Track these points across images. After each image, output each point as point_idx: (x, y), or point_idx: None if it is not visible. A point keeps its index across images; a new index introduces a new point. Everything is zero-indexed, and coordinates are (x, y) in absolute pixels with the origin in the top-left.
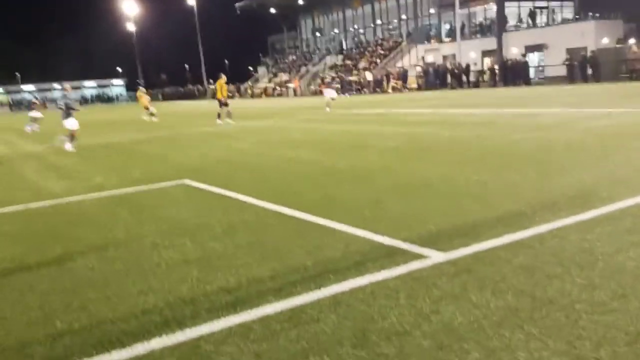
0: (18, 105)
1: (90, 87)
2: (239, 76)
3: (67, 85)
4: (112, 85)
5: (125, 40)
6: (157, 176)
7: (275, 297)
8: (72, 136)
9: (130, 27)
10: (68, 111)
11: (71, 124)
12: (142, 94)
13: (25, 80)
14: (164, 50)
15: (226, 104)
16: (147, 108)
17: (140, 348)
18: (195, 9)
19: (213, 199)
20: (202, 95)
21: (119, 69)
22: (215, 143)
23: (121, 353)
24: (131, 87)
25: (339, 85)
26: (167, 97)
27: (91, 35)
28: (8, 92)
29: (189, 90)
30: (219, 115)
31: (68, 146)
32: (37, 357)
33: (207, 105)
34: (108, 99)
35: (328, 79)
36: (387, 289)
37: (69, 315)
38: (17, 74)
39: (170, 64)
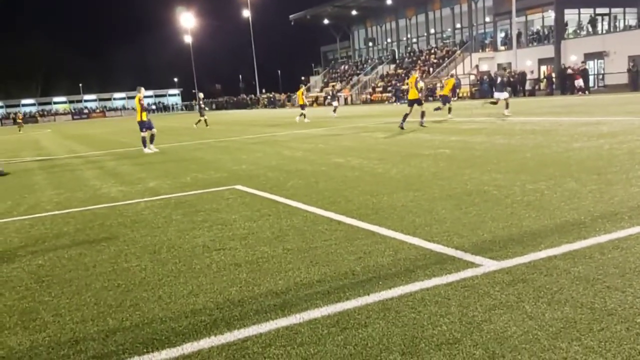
0: (79, 114)
1: (148, 96)
2: (291, 85)
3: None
4: (169, 95)
5: (182, 52)
6: (210, 181)
7: (323, 302)
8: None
9: (187, 39)
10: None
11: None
12: (301, 93)
13: (86, 90)
14: (218, 61)
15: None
16: (302, 107)
17: (189, 347)
18: (250, 20)
19: (264, 204)
20: (254, 104)
21: (175, 79)
22: (267, 150)
23: (171, 352)
24: (186, 96)
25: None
26: (220, 107)
27: (149, 47)
28: (70, 102)
29: (241, 100)
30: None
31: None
32: (89, 352)
33: (259, 114)
34: (164, 108)
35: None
36: (438, 296)
37: (121, 314)
38: (80, 84)
39: (224, 74)
